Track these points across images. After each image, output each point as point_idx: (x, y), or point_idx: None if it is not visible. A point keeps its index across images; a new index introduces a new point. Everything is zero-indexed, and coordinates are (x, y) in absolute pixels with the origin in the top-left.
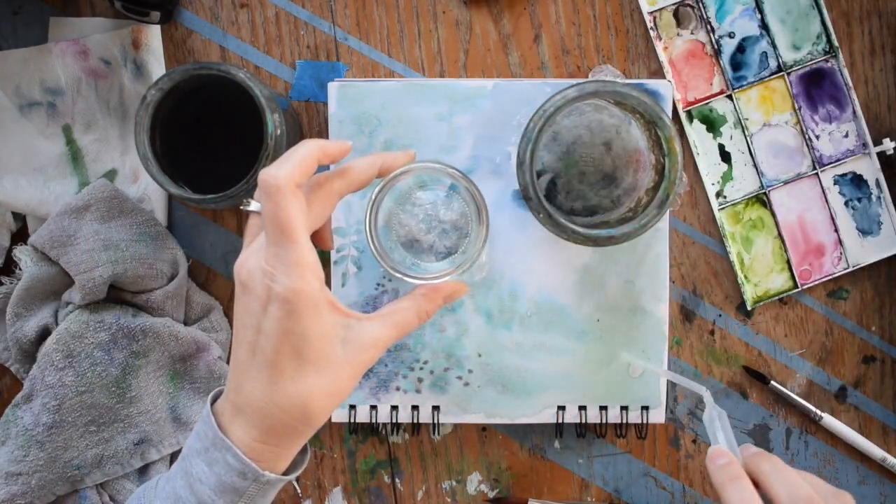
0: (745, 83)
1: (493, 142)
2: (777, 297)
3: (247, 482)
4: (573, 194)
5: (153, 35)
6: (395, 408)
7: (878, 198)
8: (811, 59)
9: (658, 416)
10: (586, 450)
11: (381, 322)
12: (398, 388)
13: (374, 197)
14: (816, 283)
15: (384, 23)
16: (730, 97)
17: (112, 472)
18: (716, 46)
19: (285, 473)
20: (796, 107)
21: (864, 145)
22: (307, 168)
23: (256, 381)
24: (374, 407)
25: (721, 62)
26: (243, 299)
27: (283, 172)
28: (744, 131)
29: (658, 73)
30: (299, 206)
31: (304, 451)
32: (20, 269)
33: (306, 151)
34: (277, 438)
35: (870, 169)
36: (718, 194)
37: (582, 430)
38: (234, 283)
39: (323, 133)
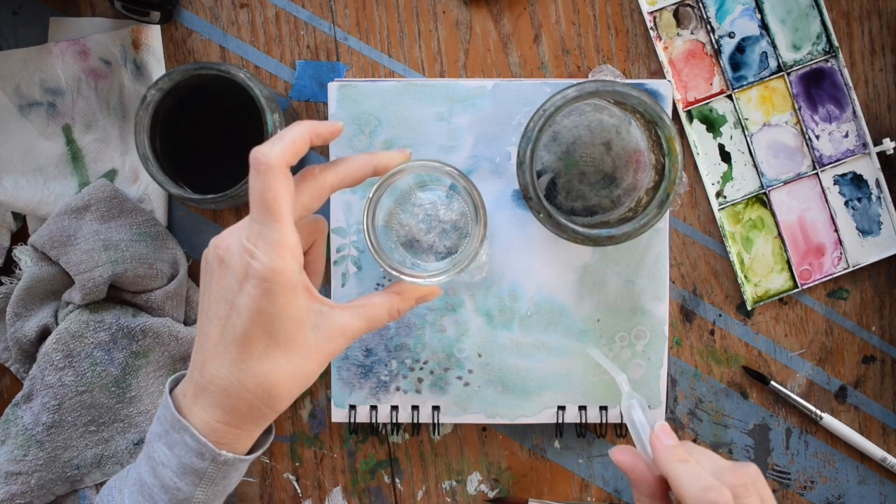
0: (745, 83)
1: (493, 142)
2: (777, 297)
3: (205, 462)
4: (573, 194)
5: (153, 35)
6: (395, 408)
7: (878, 198)
8: (811, 59)
9: (658, 416)
10: (586, 450)
11: (353, 313)
12: (398, 389)
13: (371, 196)
14: (816, 283)
15: (384, 23)
16: (730, 97)
17: (112, 471)
18: (716, 46)
19: (249, 454)
20: (796, 107)
21: (864, 145)
22: (299, 149)
23: (224, 359)
24: (374, 407)
25: (721, 62)
26: (218, 273)
27: (275, 151)
28: (744, 131)
29: (658, 73)
30: (287, 187)
31: (268, 431)
32: (20, 269)
33: (298, 132)
34: (240, 419)
35: (870, 169)
36: (718, 194)
37: (582, 430)
38: (205, 258)
39: None
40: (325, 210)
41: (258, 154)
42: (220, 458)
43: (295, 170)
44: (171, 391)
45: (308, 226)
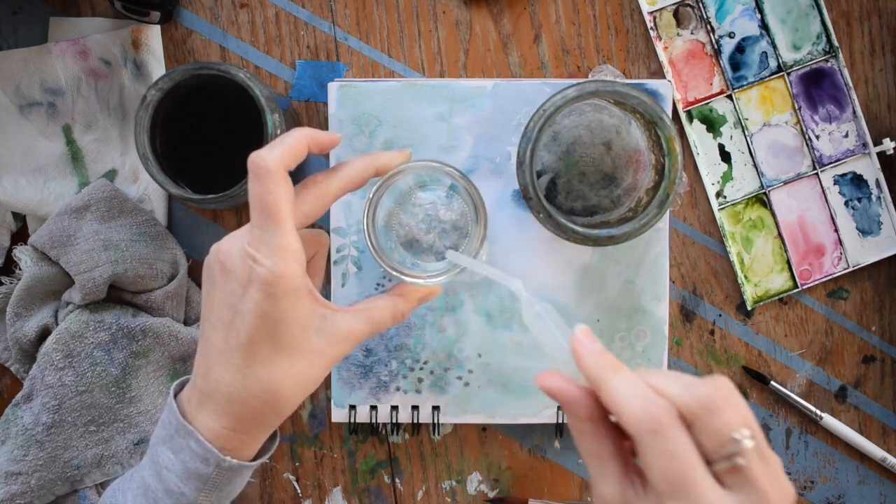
0: (745, 83)
1: (493, 142)
2: (777, 297)
3: (210, 468)
4: (573, 194)
5: (153, 35)
6: (395, 408)
7: (878, 198)
8: (811, 59)
9: None
10: None
11: (357, 317)
12: (398, 389)
13: (371, 196)
14: (816, 283)
15: (384, 23)
16: (730, 97)
17: (112, 472)
18: (716, 46)
19: (254, 459)
20: (796, 107)
21: (864, 145)
22: (297, 154)
23: (228, 365)
24: (374, 407)
25: (721, 62)
26: (220, 279)
27: (273, 156)
28: (744, 131)
29: (658, 73)
30: (287, 191)
31: (272, 437)
32: (20, 269)
33: (296, 138)
34: (246, 425)
35: (870, 169)
36: (718, 194)
37: None
38: (207, 265)
39: None
40: None
41: (256, 159)
42: (224, 464)
43: (295, 176)
44: (175, 395)
45: (310, 238)
